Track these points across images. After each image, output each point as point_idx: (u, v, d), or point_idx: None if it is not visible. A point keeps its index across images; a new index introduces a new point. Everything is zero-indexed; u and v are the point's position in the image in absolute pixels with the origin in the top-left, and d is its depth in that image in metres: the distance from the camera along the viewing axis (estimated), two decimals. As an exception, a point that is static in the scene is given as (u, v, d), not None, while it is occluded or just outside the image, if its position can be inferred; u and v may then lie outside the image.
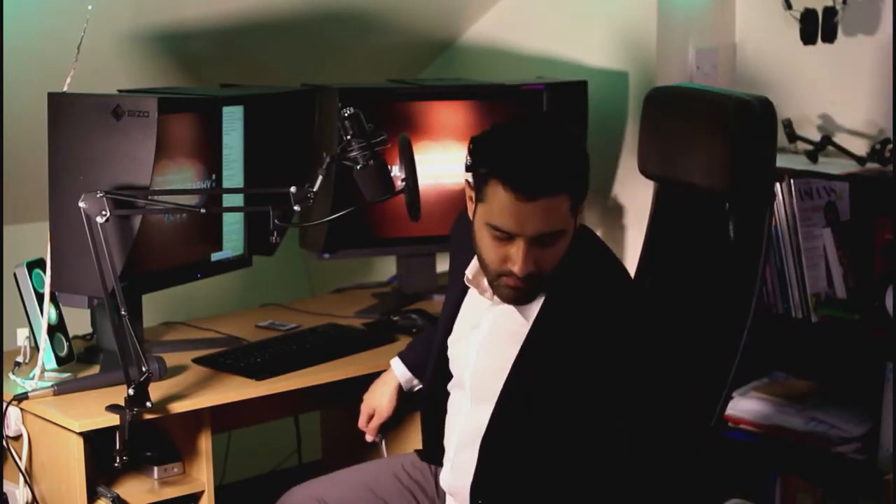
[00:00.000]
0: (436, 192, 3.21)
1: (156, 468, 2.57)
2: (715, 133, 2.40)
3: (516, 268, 2.11)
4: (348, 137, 2.37)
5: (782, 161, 3.15)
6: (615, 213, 3.51)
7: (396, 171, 2.72)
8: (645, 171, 2.62)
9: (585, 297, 2.18)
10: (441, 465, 2.38)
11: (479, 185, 2.13)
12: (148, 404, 2.38)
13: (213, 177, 2.84)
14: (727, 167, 2.37)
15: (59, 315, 2.69)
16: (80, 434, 2.39)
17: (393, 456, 2.63)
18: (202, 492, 2.59)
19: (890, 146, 3.06)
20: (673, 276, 2.55)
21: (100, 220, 2.37)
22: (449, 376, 2.36)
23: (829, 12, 3.17)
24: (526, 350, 2.18)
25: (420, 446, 2.50)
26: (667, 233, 2.63)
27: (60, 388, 2.51)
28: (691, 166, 2.46)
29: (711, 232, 2.48)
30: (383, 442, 2.62)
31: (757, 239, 2.39)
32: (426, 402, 2.46)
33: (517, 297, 2.16)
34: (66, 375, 2.62)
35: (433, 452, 2.44)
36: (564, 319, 2.16)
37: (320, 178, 2.39)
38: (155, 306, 2.97)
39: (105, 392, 2.51)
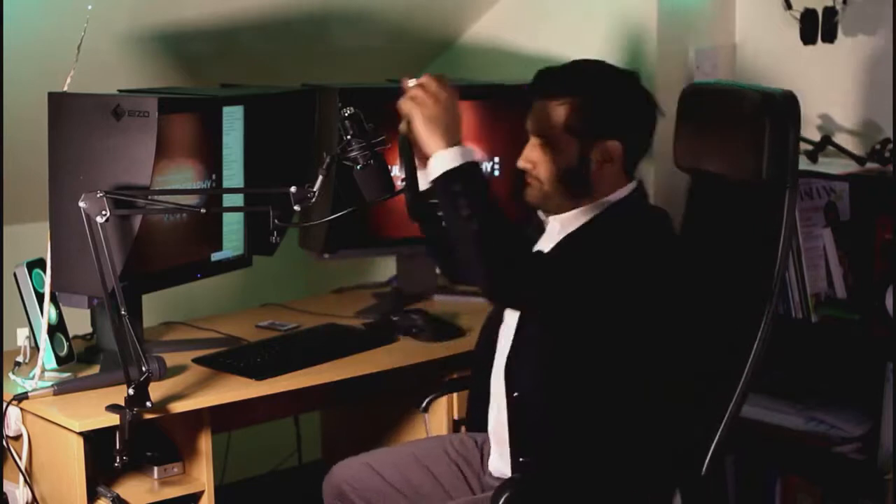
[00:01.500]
0: (436, 192, 3.20)
1: (156, 468, 2.57)
2: (742, 125, 2.46)
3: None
4: (348, 137, 2.37)
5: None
6: (615, 213, 3.51)
7: (396, 171, 2.72)
8: (680, 164, 2.66)
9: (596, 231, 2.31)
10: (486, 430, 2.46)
11: None
12: (148, 404, 2.38)
13: (213, 177, 2.84)
14: (752, 158, 2.42)
15: (59, 315, 2.69)
16: (80, 434, 2.39)
17: (442, 435, 2.64)
18: (202, 492, 2.59)
19: (890, 146, 3.06)
20: (706, 268, 2.58)
21: (100, 220, 2.37)
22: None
23: (829, 12, 3.17)
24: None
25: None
26: (701, 225, 2.65)
27: (60, 388, 2.51)
28: (722, 158, 2.52)
29: (742, 223, 2.53)
30: (426, 418, 2.62)
31: (777, 229, 2.43)
32: (475, 369, 2.54)
33: (526, 192, 2.36)
34: (66, 375, 2.62)
35: (479, 419, 2.49)
36: (576, 244, 2.30)
37: (320, 178, 2.39)
38: (155, 306, 2.97)
39: (105, 392, 2.51)
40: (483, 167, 2.23)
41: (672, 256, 2.32)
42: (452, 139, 2.20)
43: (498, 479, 2.38)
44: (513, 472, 2.33)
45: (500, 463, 2.41)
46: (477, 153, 2.24)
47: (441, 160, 2.19)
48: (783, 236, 2.43)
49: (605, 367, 2.27)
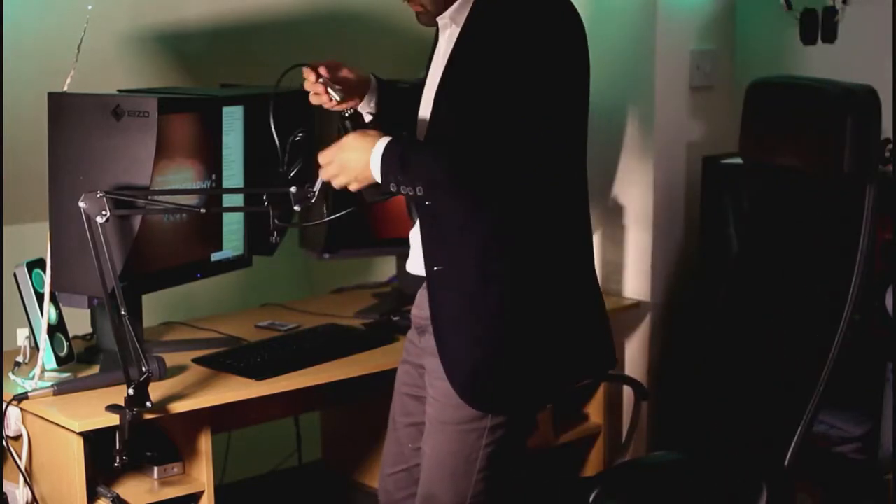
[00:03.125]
0: (436, 192, 3.20)
1: (156, 468, 2.57)
2: (822, 119, 2.46)
3: None
4: (349, 137, 2.37)
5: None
6: (615, 213, 3.51)
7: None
8: (746, 156, 2.66)
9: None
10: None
11: None
12: (148, 404, 2.38)
13: (213, 177, 2.84)
14: (833, 151, 2.42)
15: (59, 315, 2.69)
16: (80, 434, 2.39)
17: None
18: (202, 492, 2.59)
19: (890, 146, 3.06)
20: (779, 262, 2.61)
21: (100, 220, 2.37)
22: None
23: (829, 12, 3.18)
24: (447, 66, 2.31)
25: None
26: (765, 218, 2.68)
27: (60, 388, 2.51)
28: (799, 152, 2.52)
29: (815, 215, 2.55)
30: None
31: (859, 220, 2.44)
32: None
33: (421, 21, 2.37)
34: (66, 375, 2.62)
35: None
36: (472, 48, 2.27)
37: (321, 178, 2.39)
38: (155, 306, 2.97)
39: (105, 392, 2.51)
40: (391, 145, 2.25)
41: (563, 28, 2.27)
42: (368, 165, 2.25)
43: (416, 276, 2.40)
44: (427, 279, 2.34)
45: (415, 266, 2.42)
46: (382, 142, 2.26)
47: (375, 177, 2.26)
48: (864, 231, 2.43)
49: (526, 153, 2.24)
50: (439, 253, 2.31)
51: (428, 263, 2.33)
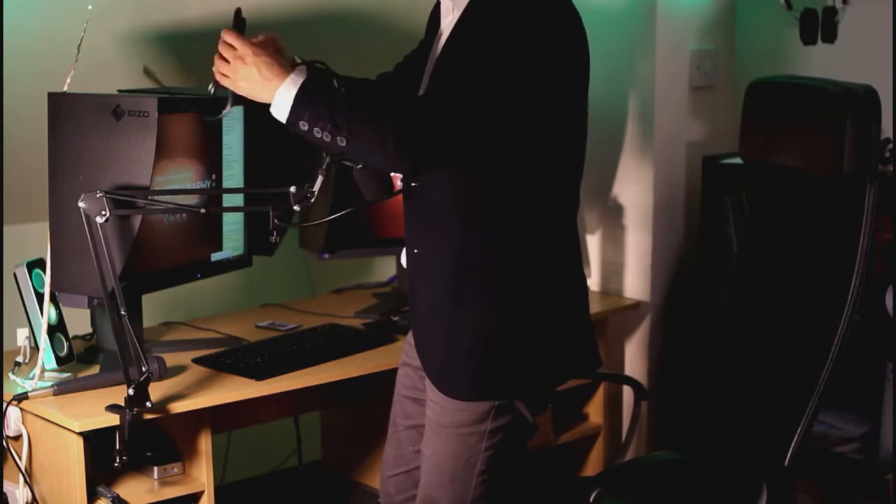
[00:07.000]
0: (436, 192, 3.20)
1: (156, 468, 2.57)
2: (822, 119, 2.46)
3: None
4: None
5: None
6: (615, 213, 3.51)
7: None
8: (746, 156, 2.67)
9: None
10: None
11: None
12: (148, 404, 2.38)
13: (213, 177, 2.84)
14: (833, 151, 2.42)
15: (59, 315, 2.69)
16: (80, 434, 2.40)
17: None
18: (202, 492, 2.59)
19: (890, 146, 3.06)
20: (779, 262, 2.61)
21: (100, 220, 2.37)
22: None
23: (829, 12, 3.18)
24: (444, 49, 2.30)
25: None
26: (764, 218, 2.68)
27: (60, 388, 2.51)
28: (798, 151, 2.52)
29: (815, 215, 2.55)
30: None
31: (859, 220, 2.44)
32: None
33: None
34: (66, 375, 2.62)
35: None
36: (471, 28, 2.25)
37: (320, 178, 2.39)
38: (155, 306, 2.97)
39: (105, 392, 2.51)
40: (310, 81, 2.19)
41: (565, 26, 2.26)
42: (273, 86, 2.18)
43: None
44: (407, 265, 2.34)
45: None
46: (299, 76, 2.19)
47: (275, 111, 2.19)
48: (864, 231, 2.43)
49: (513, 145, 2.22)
50: (421, 237, 2.31)
51: (409, 247, 2.32)
